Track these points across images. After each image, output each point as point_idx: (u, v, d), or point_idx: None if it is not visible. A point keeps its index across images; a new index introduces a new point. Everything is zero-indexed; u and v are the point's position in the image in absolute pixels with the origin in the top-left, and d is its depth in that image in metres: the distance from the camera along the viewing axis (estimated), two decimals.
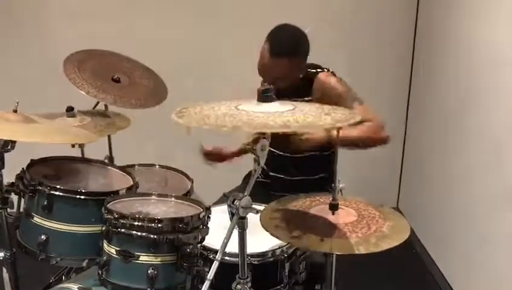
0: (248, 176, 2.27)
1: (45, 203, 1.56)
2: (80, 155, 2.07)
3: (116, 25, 3.10)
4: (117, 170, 1.83)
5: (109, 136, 2.33)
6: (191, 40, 3.16)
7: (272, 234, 1.44)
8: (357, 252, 1.33)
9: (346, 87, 1.98)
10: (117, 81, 2.18)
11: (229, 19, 3.16)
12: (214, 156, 2.27)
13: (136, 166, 2.09)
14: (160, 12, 3.15)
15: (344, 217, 1.48)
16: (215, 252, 1.61)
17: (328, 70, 2.03)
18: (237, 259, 1.46)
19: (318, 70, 2.02)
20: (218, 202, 2.06)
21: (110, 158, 2.35)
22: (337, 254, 1.50)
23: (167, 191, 1.81)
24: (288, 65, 1.91)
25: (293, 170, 2.04)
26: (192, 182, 2.02)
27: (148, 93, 2.22)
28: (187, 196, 1.88)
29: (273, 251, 1.66)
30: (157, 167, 2.12)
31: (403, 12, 3.21)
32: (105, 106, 2.26)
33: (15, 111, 1.68)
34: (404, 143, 3.37)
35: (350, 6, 3.16)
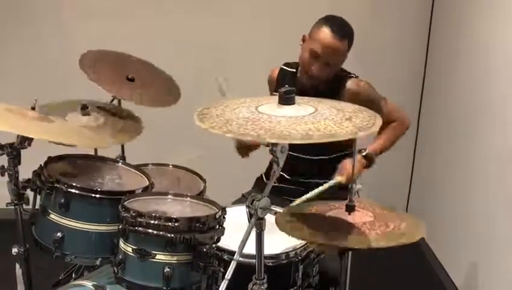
0: (260, 179, 2.27)
1: (62, 201, 1.57)
2: (93, 153, 2.08)
3: (132, 23, 3.11)
4: (132, 169, 1.84)
5: None
6: (205, 38, 3.16)
7: (291, 235, 1.44)
8: (377, 245, 1.34)
9: (373, 89, 2.03)
10: (131, 80, 2.19)
11: (246, 19, 3.16)
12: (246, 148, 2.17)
13: (150, 165, 2.09)
14: (175, 11, 3.15)
15: (361, 217, 1.49)
16: (229, 252, 1.62)
17: (354, 76, 2.05)
18: (249, 260, 1.47)
19: (347, 74, 2.05)
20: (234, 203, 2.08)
21: (122, 157, 2.36)
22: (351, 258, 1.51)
23: (180, 191, 1.81)
24: (346, 49, 1.95)
25: (310, 172, 2.04)
26: (205, 183, 2.03)
27: (162, 94, 2.23)
28: (200, 196, 1.89)
29: (287, 253, 1.66)
30: (170, 166, 2.12)
31: (416, 15, 3.20)
32: (119, 102, 2.27)
33: (33, 108, 1.70)
34: (415, 146, 3.37)
35: (364, 7, 3.16)
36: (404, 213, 1.57)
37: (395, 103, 2.11)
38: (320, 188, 1.90)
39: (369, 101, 1.93)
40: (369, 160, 2.00)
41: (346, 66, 2.11)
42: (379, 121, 1.26)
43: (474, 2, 2.72)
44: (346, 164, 1.94)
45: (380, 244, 1.34)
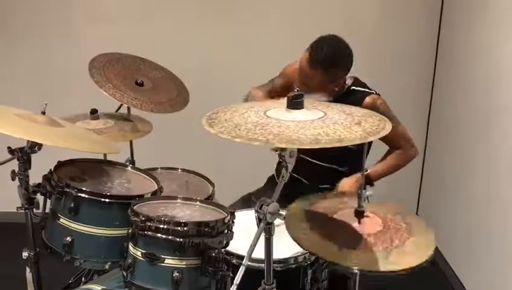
0: (272, 178, 2.27)
1: (72, 205, 1.58)
2: (103, 157, 2.09)
3: (140, 28, 3.12)
4: (141, 174, 1.84)
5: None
6: (216, 43, 3.17)
7: (292, 237, 1.43)
8: (374, 269, 1.32)
9: (390, 111, 2.02)
10: (140, 85, 2.21)
11: (253, 25, 3.15)
12: None
13: (159, 169, 2.10)
14: (183, 17, 3.16)
15: (368, 226, 1.47)
16: (237, 256, 1.62)
17: (376, 92, 2.05)
18: (258, 264, 1.48)
19: (366, 90, 2.05)
20: (234, 205, 2.08)
21: (132, 161, 2.37)
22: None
23: (189, 195, 1.81)
24: (322, 77, 1.92)
25: (318, 177, 2.04)
26: (214, 187, 2.03)
27: (171, 99, 2.24)
28: (209, 200, 1.89)
29: (296, 257, 1.66)
30: (179, 170, 2.13)
31: (424, 24, 3.18)
32: (128, 108, 2.29)
33: (43, 113, 1.71)
34: (424, 152, 3.34)
35: (372, 17, 3.15)
36: (416, 221, 1.53)
37: (407, 130, 2.11)
38: None
39: None
40: (368, 181, 2.01)
41: (355, 71, 2.11)
42: (389, 126, 1.26)
43: (484, 5, 2.70)
44: (345, 184, 1.98)
45: (378, 267, 1.31)
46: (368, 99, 2.01)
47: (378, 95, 2.06)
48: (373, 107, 1.98)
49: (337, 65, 1.94)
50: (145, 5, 3.16)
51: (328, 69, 1.91)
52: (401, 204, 1.60)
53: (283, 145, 1.20)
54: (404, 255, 1.36)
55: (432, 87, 3.28)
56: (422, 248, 1.40)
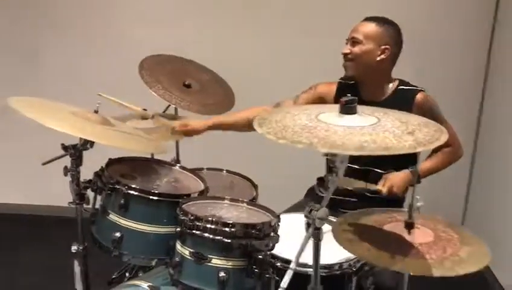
0: (311, 190, 2.25)
1: (122, 201, 1.61)
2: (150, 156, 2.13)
3: (185, 30, 3.16)
4: (188, 173, 1.87)
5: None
6: (260, 47, 3.18)
7: (343, 246, 1.42)
8: (429, 275, 1.28)
9: (438, 108, 2.00)
10: (188, 86, 2.24)
11: (298, 28, 3.14)
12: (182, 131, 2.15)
13: (204, 169, 2.13)
14: (230, 20, 3.18)
15: (419, 236, 1.43)
16: (282, 260, 1.62)
17: (423, 90, 2.03)
18: (301, 269, 1.45)
19: (415, 88, 2.02)
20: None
21: (177, 161, 2.41)
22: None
23: (233, 196, 1.83)
24: (373, 30, 1.96)
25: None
26: (257, 189, 2.04)
27: (218, 101, 2.27)
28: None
29: (341, 264, 1.64)
30: (224, 171, 2.15)
31: (478, 19, 3.08)
32: (175, 109, 2.33)
33: (96, 112, 1.76)
34: (473, 158, 3.22)
35: (421, 11, 3.08)
36: (470, 234, 1.48)
37: (454, 127, 2.03)
38: (360, 186, 1.89)
39: (431, 117, 1.90)
40: (415, 177, 1.95)
41: (402, 70, 2.08)
42: (444, 137, 1.23)
43: None
44: (392, 176, 1.94)
45: (434, 272, 1.27)
46: (419, 96, 1.98)
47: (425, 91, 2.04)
48: (425, 103, 1.98)
49: (390, 25, 1.99)
50: (192, 7, 3.20)
51: (381, 24, 1.97)
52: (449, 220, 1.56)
53: (325, 150, 1.18)
54: (460, 263, 1.32)
55: (484, 86, 3.16)
56: (478, 256, 1.35)
